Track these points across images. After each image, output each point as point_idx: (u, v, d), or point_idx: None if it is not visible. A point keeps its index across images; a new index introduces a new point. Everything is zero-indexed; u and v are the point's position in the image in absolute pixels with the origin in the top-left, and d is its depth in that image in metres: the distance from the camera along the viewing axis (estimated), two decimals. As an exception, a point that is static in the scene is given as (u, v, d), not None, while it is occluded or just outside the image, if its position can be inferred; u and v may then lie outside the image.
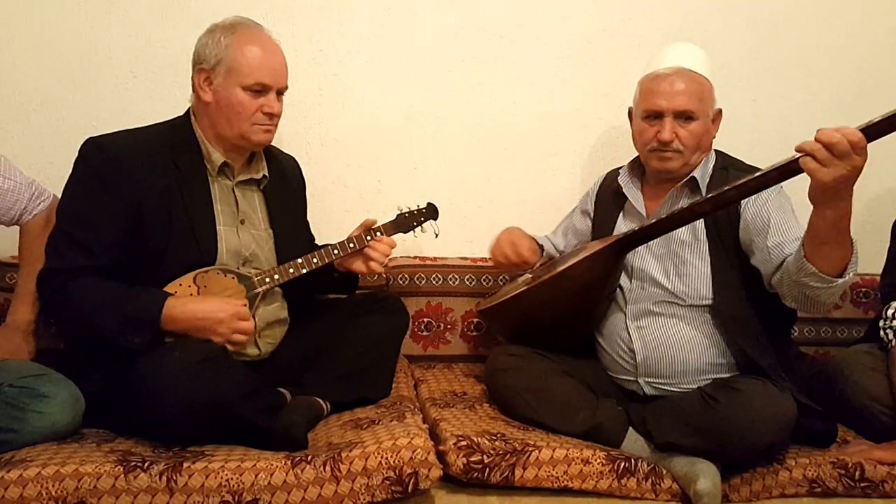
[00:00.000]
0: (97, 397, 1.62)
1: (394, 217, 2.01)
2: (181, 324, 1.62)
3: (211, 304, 1.66)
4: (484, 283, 2.31)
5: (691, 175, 1.87)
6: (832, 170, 1.41)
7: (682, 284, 1.84)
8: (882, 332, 1.89)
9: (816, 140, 1.42)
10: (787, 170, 1.52)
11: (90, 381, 1.63)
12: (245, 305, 1.71)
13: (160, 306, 1.60)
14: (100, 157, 1.67)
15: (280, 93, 1.79)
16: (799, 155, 1.46)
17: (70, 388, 1.59)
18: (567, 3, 2.37)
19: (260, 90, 1.73)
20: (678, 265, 1.85)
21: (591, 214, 2.10)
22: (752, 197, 1.75)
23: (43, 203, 1.87)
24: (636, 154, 1.99)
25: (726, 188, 1.63)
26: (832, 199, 1.47)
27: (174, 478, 1.40)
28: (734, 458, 1.62)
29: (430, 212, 2.06)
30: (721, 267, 1.81)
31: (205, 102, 1.75)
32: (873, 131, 1.42)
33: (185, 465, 1.42)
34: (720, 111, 1.91)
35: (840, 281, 1.56)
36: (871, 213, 2.55)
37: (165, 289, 1.67)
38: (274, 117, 1.77)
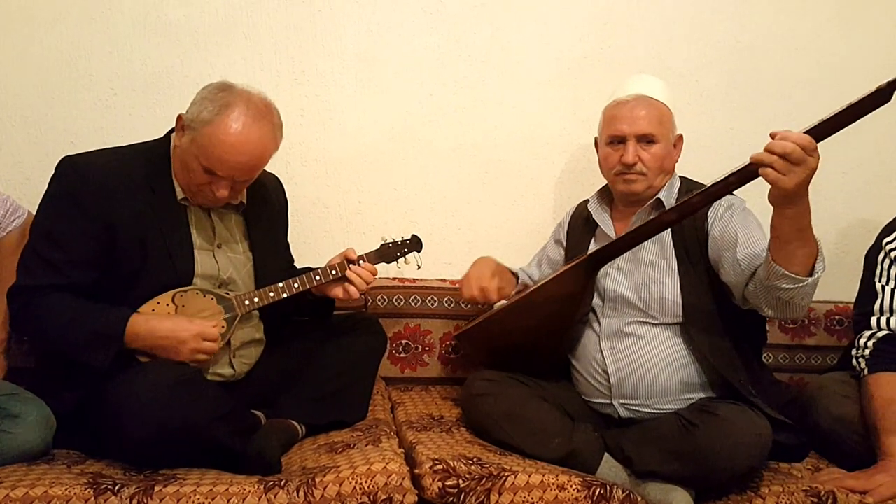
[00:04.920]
0: (69, 418, 1.60)
1: (377, 247, 2.01)
2: (144, 342, 1.62)
3: (174, 324, 1.64)
4: (463, 306, 2.30)
5: (657, 197, 1.91)
6: (792, 177, 1.46)
7: (652, 302, 1.86)
8: (855, 361, 1.92)
9: (770, 151, 1.47)
10: (746, 173, 1.57)
11: (62, 400, 1.62)
12: (219, 327, 1.70)
13: (124, 324, 1.60)
14: (75, 178, 1.65)
15: (241, 181, 1.72)
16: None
17: (41, 408, 1.57)
18: (549, 30, 2.40)
19: (212, 173, 1.67)
20: (648, 283, 1.87)
21: (564, 243, 2.12)
22: (718, 214, 1.82)
23: (17, 219, 1.86)
24: (607, 180, 2.02)
25: (691, 196, 1.66)
26: (792, 202, 1.52)
27: (145, 501, 1.38)
28: (714, 482, 1.62)
29: (414, 244, 2.07)
30: (690, 285, 1.83)
31: (176, 143, 1.72)
32: (820, 131, 1.48)
33: (157, 488, 1.41)
34: (681, 136, 1.97)
35: (810, 279, 1.60)
36: (845, 243, 2.60)
37: (143, 307, 1.66)
38: (220, 199, 1.71)
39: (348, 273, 1.89)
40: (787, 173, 1.46)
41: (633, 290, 1.89)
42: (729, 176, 1.60)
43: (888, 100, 1.45)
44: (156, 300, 1.68)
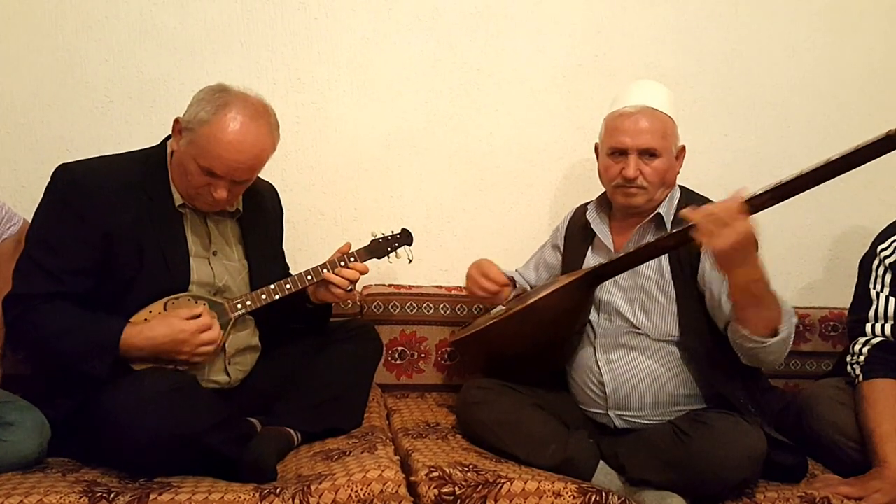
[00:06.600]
0: (63, 425, 1.60)
1: (368, 243, 2.00)
2: (144, 351, 1.61)
3: (168, 327, 1.63)
4: (458, 312, 2.31)
5: (657, 211, 1.90)
6: (720, 238, 1.49)
7: (647, 320, 1.86)
8: (849, 367, 1.93)
9: (698, 212, 1.53)
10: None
11: (56, 408, 1.61)
12: (209, 316, 1.69)
13: (118, 335, 1.59)
14: (71, 185, 1.65)
15: (239, 182, 1.72)
16: None
17: (36, 415, 1.57)
18: (544, 37, 2.41)
19: (211, 174, 1.66)
20: (644, 301, 1.87)
21: (561, 248, 2.11)
22: None
23: (13, 227, 1.85)
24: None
25: (690, 224, 1.65)
26: (733, 265, 1.55)
27: (140, 510, 1.38)
28: (706, 493, 1.62)
29: (405, 237, 2.06)
30: (686, 304, 1.83)
31: (174, 148, 1.73)
32: (757, 202, 1.52)
33: (152, 496, 1.40)
34: (684, 148, 1.95)
35: (772, 340, 1.61)
36: (839, 249, 2.61)
37: (136, 316, 1.65)
38: (219, 201, 1.71)
39: (328, 275, 1.86)
40: (714, 234, 1.50)
41: (629, 305, 1.89)
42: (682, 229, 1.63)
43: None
44: (148, 308, 1.67)
